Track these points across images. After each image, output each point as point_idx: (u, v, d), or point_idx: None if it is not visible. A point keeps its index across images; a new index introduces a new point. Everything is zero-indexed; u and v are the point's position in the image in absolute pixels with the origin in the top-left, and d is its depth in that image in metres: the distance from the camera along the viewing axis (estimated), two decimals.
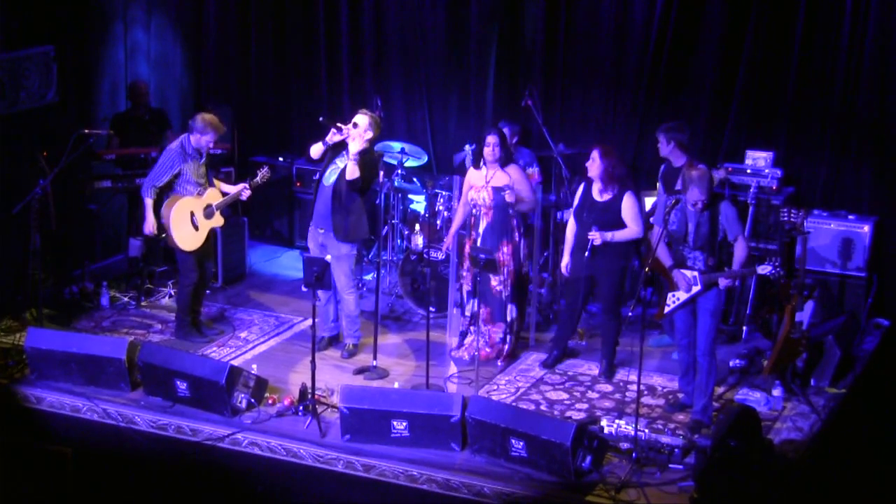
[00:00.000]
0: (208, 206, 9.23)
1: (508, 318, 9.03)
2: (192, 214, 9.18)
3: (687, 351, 8.17)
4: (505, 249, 8.88)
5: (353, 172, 8.73)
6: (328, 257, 8.56)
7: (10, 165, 9.89)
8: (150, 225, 9.22)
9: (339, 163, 8.88)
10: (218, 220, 9.35)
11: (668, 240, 7.98)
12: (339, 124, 8.85)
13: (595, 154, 8.62)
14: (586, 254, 8.55)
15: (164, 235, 9.30)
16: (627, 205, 8.61)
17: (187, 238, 9.21)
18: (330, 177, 8.90)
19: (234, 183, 9.80)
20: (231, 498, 8.05)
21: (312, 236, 9.07)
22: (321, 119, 9.10)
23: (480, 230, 8.95)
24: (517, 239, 8.94)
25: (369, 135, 8.82)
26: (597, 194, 8.68)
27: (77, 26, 10.66)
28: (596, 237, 8.52)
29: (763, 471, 7.29)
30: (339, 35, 11.58)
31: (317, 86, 11.83)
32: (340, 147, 8.87)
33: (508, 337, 9.08)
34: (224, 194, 9.34)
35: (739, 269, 7.91)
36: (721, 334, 9.38)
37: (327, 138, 8.85)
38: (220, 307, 10.19)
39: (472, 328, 9.10)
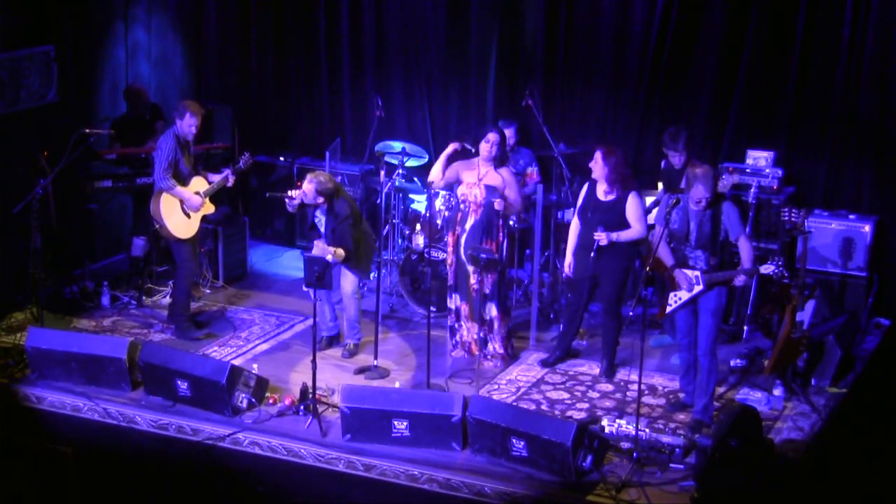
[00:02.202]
0: (196, 193, 9.32)
1: (486, 317, 9.02)
2: (182, 203, 9.27)
3: (688, 350, 8.17)
4: (488, 248, 8.86)
5: (340, 256, 8.79)
6: (329, 257, 8.57)
7: (10, 165, 9.90)
8: (195, 200, 9.30)
9: (320, 215, 9.01)
10: (208, 207, 9.45)
11: (670, 239, 7.98)
12: (289, 193, 8.95)
13: (598, 156, 8.60)
14: (592, 254, 8.55)
15: (157, 226, 9.37)
16: (632, 205, 8.60)
17: (180, 226, 9.31)
18: (321, 226, 9.04)
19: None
20: (232, 498, 8.04)
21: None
22: (266, 195, 9.46)
23: (467, 227, 8.94)
24: (501, 238, 8.93)
25: (321, 199, 8.86)
26: (601, 194, 8.67)
27: (77, 26, 10.66)
28: (602, 237, 8.51)
29: (764, 470, 7.29)
30: (339, 35, 11.58)
31: (317, 86, 11.83)
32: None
33: (488, 341, 9.05)
34: (210, 183, 9.47)
35: (751, 266, 7.90)
36: (722, 334, 9.37)
37: (288, 206, 9.00)
38: (221, 307, 10.20)
39: (456, 324, 9.11)
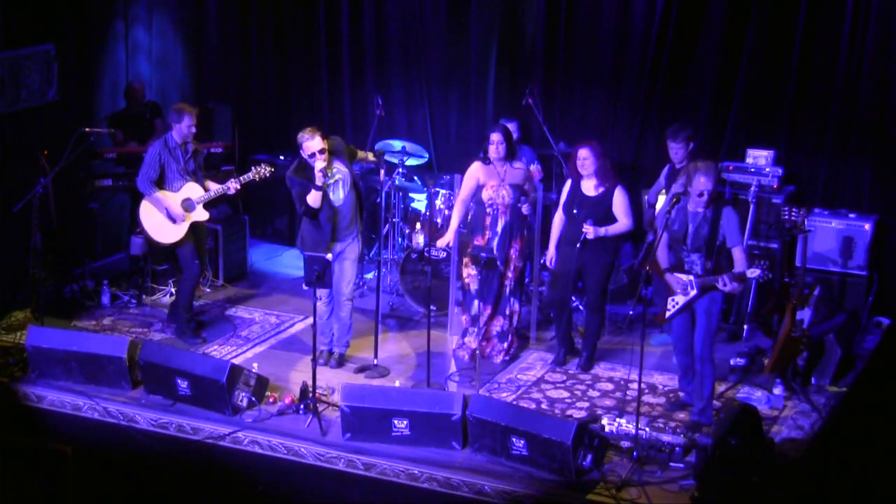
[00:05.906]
0: (186, 199, 9.20)
1: (508, 312, 9.05)
2: (167, 208, 9.17)
3: (683, 353, 8.15)
4: (516, 246, 8.92)
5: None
6: (328, 256, 8.56)
7: (10, 164, 9.90)
8: (176, 209, 9.15)
9: (331, 177, 8.79)
10: (200, 214, 9.27)
11: (670, 242, 7.93)
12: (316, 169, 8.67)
13: (587, 153, 8.59)
14: (577, 245, 8.56)
15: (139, 229, 9.34)
16: (619, 199, 8.64)
17: (159, 229, 9.19)
18: (338, 195, 8.78)
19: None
20: (232, 497, 8.05)
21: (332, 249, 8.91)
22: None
23: (498, 229, 8.91)
24: (525, 233, 9.04)
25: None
26: (590, 189, 8.69)
27: (78, 25, 10.67)
28: (590, 231, 8.53)
29: (764, 469, 7.29)
30: (339, 35, 11.59)
31: (317, 86, 11.84)
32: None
33: (509, 333, 9.09)
34: (207, 190, 9.29)
35: (738, 271, 7.81)
36: (722, 332, 9.38)
37: (318, 181, 8.66)
38: (221, 306, 10.20)
39: (471, 328, 9.10)
